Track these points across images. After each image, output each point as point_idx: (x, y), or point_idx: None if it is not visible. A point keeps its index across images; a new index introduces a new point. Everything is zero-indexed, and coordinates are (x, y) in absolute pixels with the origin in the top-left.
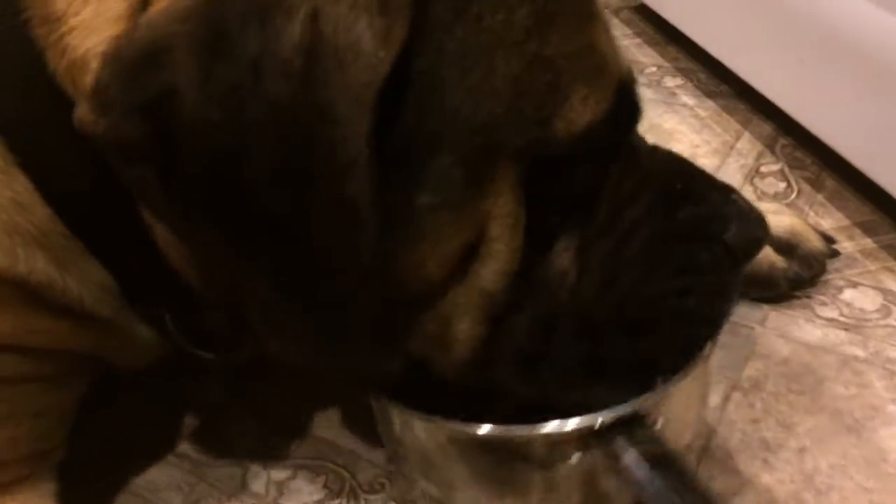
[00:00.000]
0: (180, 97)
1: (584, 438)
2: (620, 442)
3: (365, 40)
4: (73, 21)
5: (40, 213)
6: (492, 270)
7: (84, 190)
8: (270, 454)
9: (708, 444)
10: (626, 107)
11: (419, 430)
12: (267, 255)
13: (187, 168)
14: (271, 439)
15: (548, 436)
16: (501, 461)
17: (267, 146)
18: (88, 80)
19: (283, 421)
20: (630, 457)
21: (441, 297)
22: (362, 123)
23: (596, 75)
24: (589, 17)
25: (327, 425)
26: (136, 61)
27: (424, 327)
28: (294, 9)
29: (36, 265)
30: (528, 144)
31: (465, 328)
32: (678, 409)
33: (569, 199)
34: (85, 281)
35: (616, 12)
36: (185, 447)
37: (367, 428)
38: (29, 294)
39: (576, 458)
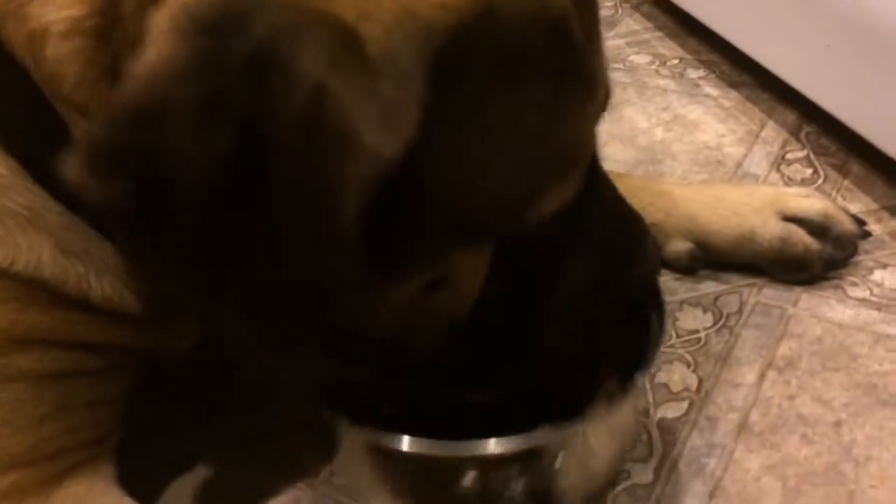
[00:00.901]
0: (176, 158)
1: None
2: (513, 471)
3: (370, 134)
4: None
5: (28, 193)
6: (452, 296)
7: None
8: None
9: (745, 420)
10: (591, 181)
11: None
12: (238, 296)
13: (177, 222)
14: None
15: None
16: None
17: (264, 208)
18: (49, 52)
19: None
20: (516, 488)
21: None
22: (355, 208)
23: (574, 166)
24: (584, 105)
25: None
26: (131, 122)
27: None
28: (299, 80)
29: (42, 256)
30: (504, 230)
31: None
32: (586, 451)
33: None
34: (101, 270)
35: (636, 6)
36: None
37: None
38: (49, 290)
39: (470, 477)
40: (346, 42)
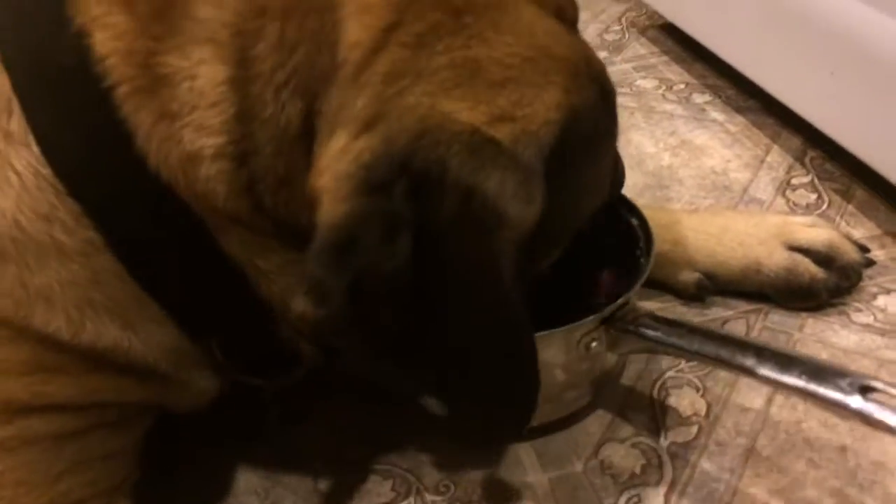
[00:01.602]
0: (372, 273)
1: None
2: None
3: (512, 209)
4: (187, 119)
5: (119, 286)
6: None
7: (177, 262)
8: (340, 460)
9: (753, 445)
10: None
11: None
12: (437, 379)
13: (383, 325)
14: (340, 448)
15: None
16: None
17: (441, 302)
18: (202, 172)
19: (350, 430)
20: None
21: None
22: (512, 267)
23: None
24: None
25: (391, 434)
26: (336, 250)
27: None
28: (450, 187)
29: (103, 332)
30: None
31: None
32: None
33: None
34: (150, 342)
35: (643, 31)
36: (260, 455)
37: (429, 435)
38: (93, 357)
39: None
40: (482, 145)
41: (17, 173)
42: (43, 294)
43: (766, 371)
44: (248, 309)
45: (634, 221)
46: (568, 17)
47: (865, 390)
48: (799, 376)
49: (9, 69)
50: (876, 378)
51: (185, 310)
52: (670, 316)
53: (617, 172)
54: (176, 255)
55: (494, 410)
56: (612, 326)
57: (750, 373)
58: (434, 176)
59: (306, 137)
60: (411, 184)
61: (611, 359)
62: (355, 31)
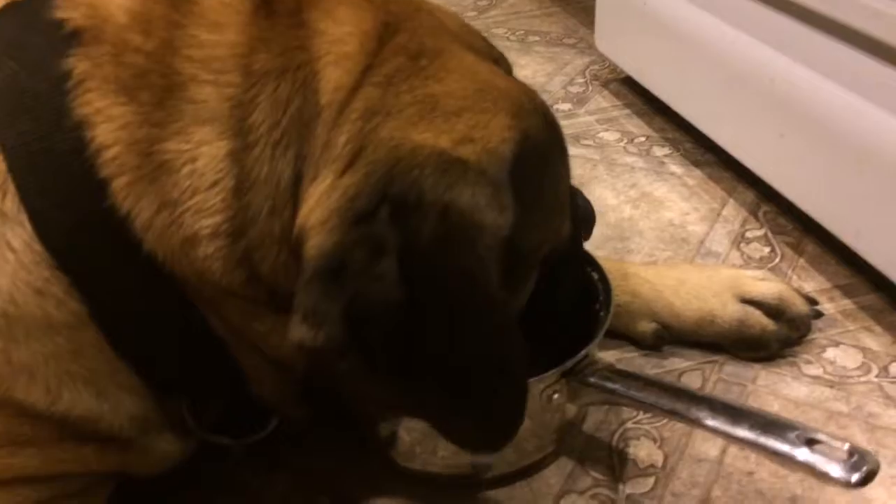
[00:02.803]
0: (368, 293)
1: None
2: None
3: (488, 217)
4: (188, 204)
5: (98, 357)
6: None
7: (163, 335)
8: None
9: (708, 495)
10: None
11: None
12: (433, 390)
13: (381, 345)
14: (308, 496)
15: None
16: None
17: (435, 315)
18: (199, 252)
19: (319, 477)
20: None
21: None
22: (495, 274)
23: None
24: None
25: (360, 481)
26: (329, 277)
27: None
28: (428, 208)
29: (78, 402)
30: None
31: None
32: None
33: None
34: (118, 409)
35: (605, 84)
36: None
37: (398, 482)
38: (62, 427)
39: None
40: (450, 164)
41: (14, 250)
42: (27, 368)
43: (717, 424)
44: (223, 373)
45: (595, 275)
46: (504, 66)
47: (811, 442)
48: (749, 429)
49: (5, 152)
50: (820, 431)
51: (162, 376)
52: (629, 368)
53: (578, 208)
54: (161, 327)
55: (488, 420)
56: (574, 379)
57: (703, 425)
58: (412, 199)
59: (295, 188)
60: (392, 209)
61: (571, 409)
62: (337, 75)
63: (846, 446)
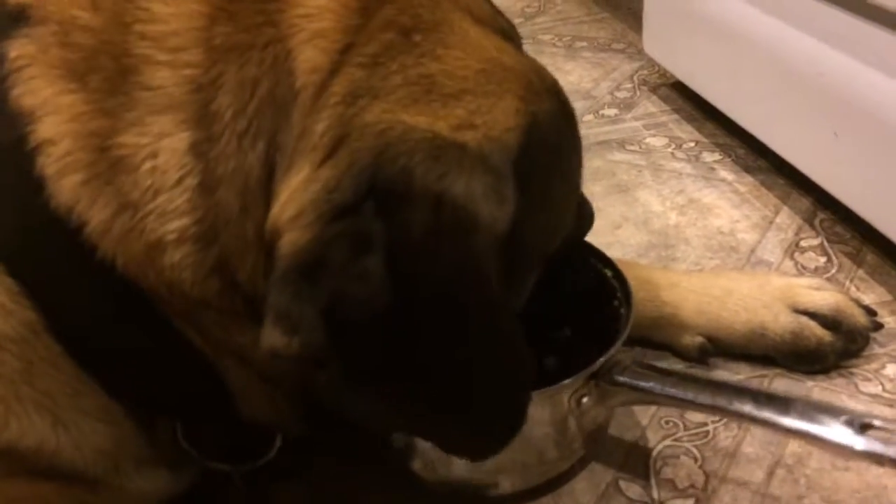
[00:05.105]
0: (350, 294)
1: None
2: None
3: (484, 209)
4: (150, 206)
5: (54, 376)
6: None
7: (133, 349)
8: None
9: None
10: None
11: None
12: (427, 401)
13: (365, 352)
14: None
15: None
16: None
17: (426, 317)
18: (166, 260)
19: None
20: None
21: None
22: (491, 272)
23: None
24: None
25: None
26: (304, 276)
27: None
28: (418, 197)
29: (28, 430)
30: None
31: None
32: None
33: None
34: (82, 440)
35: (654, 89)
36: None
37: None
38: (9, 461)
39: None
40: (444, 149)
41: None
42: None
43: (764, 415)
44: (208, 391)
45: (608, 273)
46: (513, 39)
47: (865, 427)
48: (799, 417)
49: None
50: (873, 415)
51: (137, 395)
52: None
53: (582, 208)
54: (129, 340)
55: (487, 431)
56: (602, 380)
57: (749, 418)
58: (400, 188)
59: (268, 183)
60: (379, 201)
61: (601, 413)
62: (312, 56)
63: None
